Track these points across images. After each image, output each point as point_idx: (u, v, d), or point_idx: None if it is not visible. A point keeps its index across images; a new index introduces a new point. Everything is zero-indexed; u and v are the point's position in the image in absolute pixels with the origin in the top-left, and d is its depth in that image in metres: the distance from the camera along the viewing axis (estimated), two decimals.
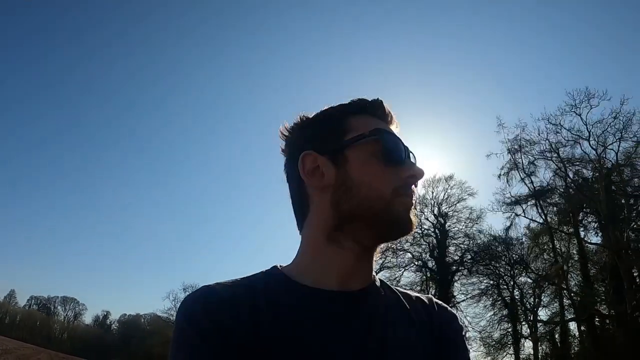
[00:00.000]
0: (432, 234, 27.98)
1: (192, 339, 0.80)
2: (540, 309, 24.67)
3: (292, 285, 0.91)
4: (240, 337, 0.81)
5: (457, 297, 26.21)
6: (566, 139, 22.99)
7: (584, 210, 24.19)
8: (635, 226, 22.55)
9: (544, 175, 24.62)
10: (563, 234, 24.90)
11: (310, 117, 1.02)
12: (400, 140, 0.97)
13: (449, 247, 27.60)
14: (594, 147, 22.31)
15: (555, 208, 25.26)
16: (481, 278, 26.02)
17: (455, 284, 26.83)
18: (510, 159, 24.40)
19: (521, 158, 24.22)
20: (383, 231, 0.93)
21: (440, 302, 1.07)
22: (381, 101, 1.02)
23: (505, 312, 24.83)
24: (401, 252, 27.14)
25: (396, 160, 0.94)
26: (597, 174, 22.68)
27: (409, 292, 1.06)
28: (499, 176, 24.92)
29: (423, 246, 27.82)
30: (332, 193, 0.94)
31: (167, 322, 43.12)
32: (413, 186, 0.94)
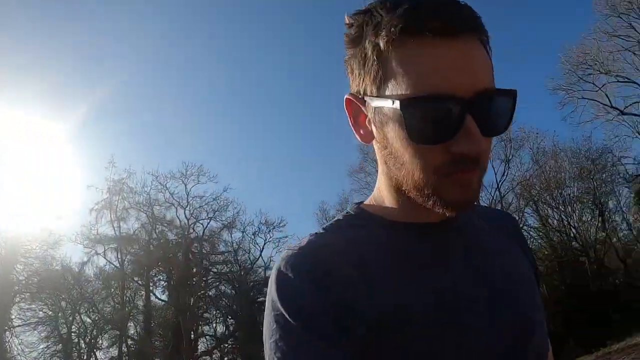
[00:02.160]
0: None
1: (303, 311, 0.65)
2: (99, 351, 25.29)
3: (386, 223, 0.76)
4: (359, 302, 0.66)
5: (15, 320, 24.11)
6: (165, 199, 26.27)
7: (159, 267, 27.11)
8: (200, 294, 27.00)
9: (133, 224, 26.45)
10: (134, 284, 26.90)
11: (350, 32, 0.71)
12: (444, 108, 0.62)
13: (17, 264, 25.34)
14: (187, 216, 26.28)
15: (132, 258, 26.88)
16: (42, 306, 24.88)
17: (16, 305, 24.58)
18: (107, 198, 25.46)
19: (118, 201, 25.70)
20: (438, 210, 0.69)
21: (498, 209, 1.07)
22: (435, 12, 0.62)
23: (60, 347, 24.46)
24: None
25: (427, 141, 0.64)
26: (181, 240, 26.42)
27: (486, 208, 0.98)
28: (91, 210, 25.37)
29: None
30: (380, 150, 0.74)
31: None
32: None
